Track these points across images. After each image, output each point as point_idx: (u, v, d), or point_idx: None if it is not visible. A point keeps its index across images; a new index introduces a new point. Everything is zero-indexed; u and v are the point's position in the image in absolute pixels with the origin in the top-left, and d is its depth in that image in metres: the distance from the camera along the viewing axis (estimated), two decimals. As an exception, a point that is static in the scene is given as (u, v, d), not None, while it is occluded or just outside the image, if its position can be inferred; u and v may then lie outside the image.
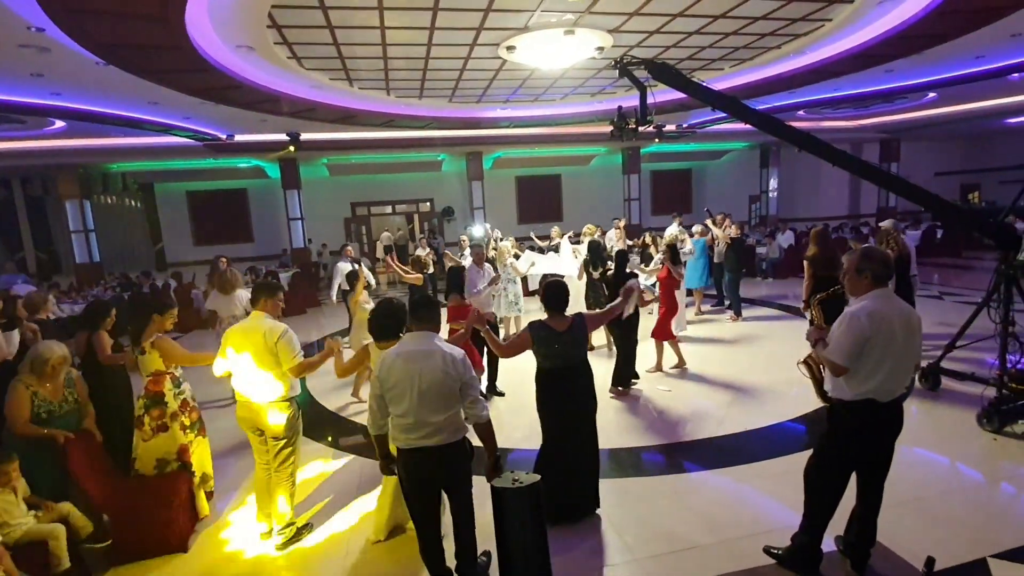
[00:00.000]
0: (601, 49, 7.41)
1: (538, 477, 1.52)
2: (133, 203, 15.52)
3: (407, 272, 6.88)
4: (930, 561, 2.01)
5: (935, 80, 10.20)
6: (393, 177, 16.91)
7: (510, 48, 7.30)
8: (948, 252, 13.69)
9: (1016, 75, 9.47)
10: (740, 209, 18.06)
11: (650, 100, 5.46)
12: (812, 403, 5.05)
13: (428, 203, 17.94)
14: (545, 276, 7.01)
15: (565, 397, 3.35)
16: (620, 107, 5.44)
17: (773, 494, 3.68)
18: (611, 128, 5.49)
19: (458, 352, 2.61)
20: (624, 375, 5.55)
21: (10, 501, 3.06)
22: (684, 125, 14.29)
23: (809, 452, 2.91)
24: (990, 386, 4.62)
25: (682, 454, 4.34)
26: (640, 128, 5.32)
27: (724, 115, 13.13)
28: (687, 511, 3.53)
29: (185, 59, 6.50)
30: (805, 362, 3.07)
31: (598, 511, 3.52)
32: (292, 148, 12.36)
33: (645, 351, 6.07)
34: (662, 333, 6.05)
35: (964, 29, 6.95)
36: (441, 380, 2.50)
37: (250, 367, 3.24)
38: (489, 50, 7.46)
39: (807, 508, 2.79)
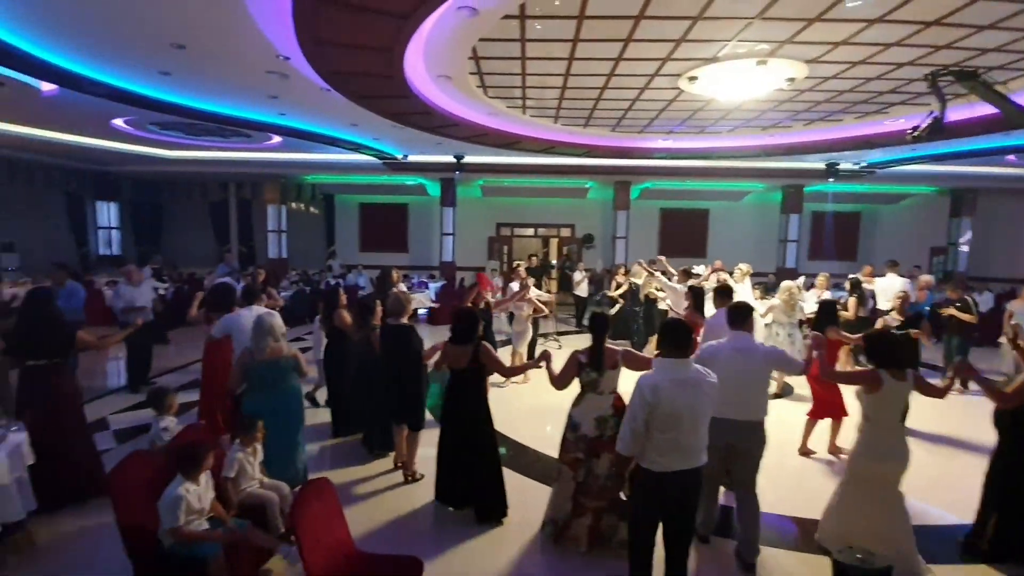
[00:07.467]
0: (792, 80, 7.05)
1: (889, 565, 1.42)
2: (316, 211, 17.78)
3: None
4: None
5: None
6: (540, 201, 17.47)
7: (692, 79, 7.23)
8: None
9: None
10: (919, 262, 15.86)
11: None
12: None
13: (569, 229, 18.24)
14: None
15: None
16: (933, 112, 6.00)
17: None
18: (912, 131, 6.16)
19: (712, 375, 2.64)
20: None
21: (250, 461, 3.44)
22: (864, 164, 13.01)
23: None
24: None
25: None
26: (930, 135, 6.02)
27: (913, 154, 11.69)
28: None
29: (394, 87, 7.31)
30: None
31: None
32: (457, 171, 13.47)
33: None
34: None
35: None
36: (709, 407, 2.58)
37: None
38: (668, 80, 7.45)
39: None
